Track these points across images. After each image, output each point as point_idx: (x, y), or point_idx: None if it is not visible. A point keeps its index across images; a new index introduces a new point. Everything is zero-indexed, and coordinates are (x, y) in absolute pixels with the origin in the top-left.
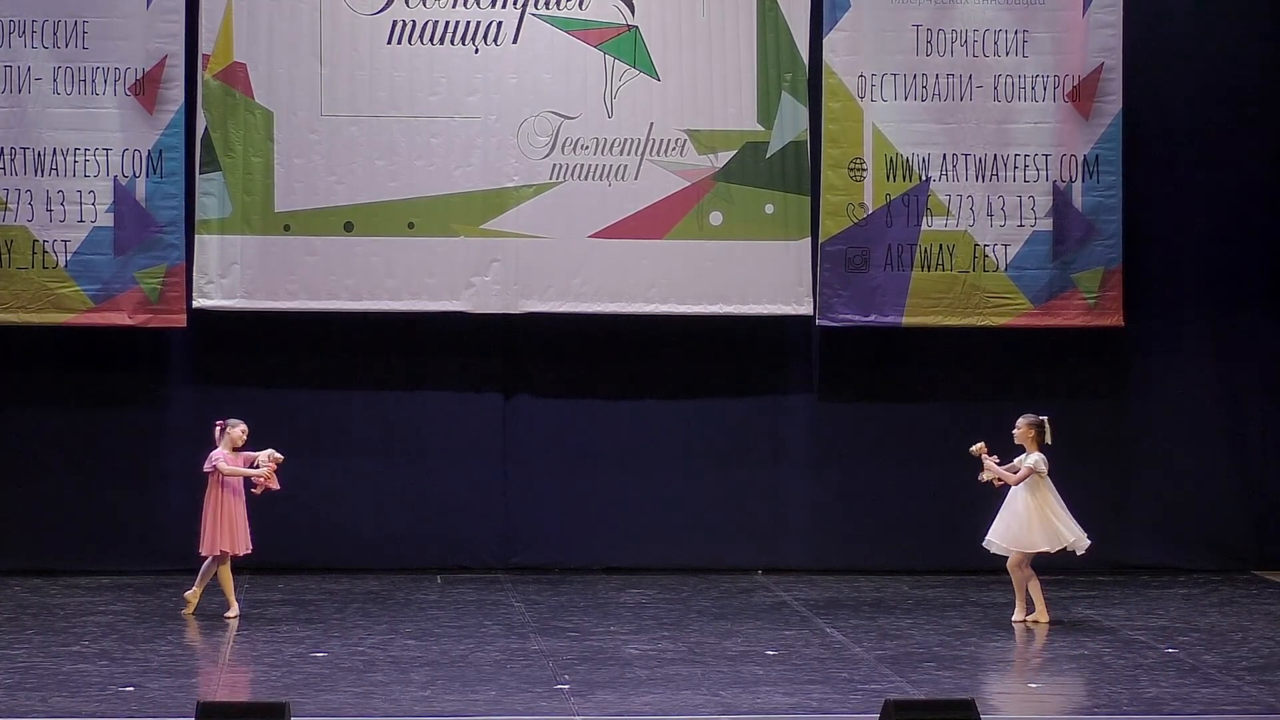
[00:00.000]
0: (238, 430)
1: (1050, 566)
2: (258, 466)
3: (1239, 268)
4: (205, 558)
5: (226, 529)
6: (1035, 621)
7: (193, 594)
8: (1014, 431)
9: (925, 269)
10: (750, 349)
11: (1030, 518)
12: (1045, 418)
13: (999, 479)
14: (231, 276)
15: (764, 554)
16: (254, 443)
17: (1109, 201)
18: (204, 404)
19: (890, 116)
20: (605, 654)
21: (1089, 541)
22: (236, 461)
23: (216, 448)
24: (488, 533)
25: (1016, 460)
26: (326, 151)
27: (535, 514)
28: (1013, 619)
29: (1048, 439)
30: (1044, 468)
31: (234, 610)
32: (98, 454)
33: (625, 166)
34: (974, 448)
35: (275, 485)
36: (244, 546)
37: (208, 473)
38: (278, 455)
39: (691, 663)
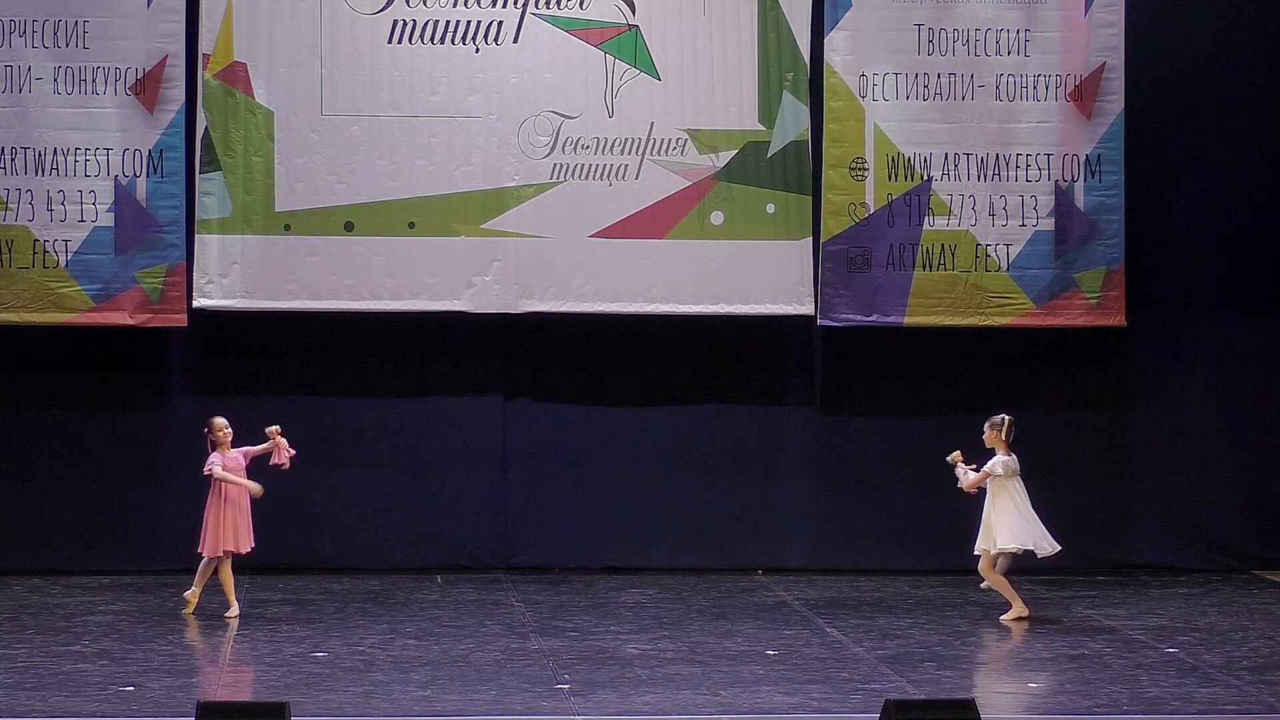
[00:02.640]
0: (218, 428)
1: (1051, 567)
2: (269, 456)
3: (1241, 267)
4: (206, 559)
5: (229, 530)
6: (1018, 618)
7: (193, 594)
8: (983, 437)
9: (927, 269)
10: (751, 349)
11: (1017, 516)
12: (1007, 417)
13: (972, 485)
14: (232, 276)
15: (764, 554)
16: (251, 441)
17: (1111, 201)
18: (204, 404)
19: (892, 116)
20: (605, 654)
21: (1053, 547)
22: (234, 462)
23: (213, 452)
24: (488, 533)
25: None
26: (327, 151)
27: (535, 514)
28: (1008, 618)
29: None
30: (1000, 470)
31: (234, 610)
32: (98, 454)
33: (626, 166)
34: (950, 456)
35: (287, 458)
36: (246, 544)
37: (207, 476)
38: (273, 429)
39: (691, 663)
